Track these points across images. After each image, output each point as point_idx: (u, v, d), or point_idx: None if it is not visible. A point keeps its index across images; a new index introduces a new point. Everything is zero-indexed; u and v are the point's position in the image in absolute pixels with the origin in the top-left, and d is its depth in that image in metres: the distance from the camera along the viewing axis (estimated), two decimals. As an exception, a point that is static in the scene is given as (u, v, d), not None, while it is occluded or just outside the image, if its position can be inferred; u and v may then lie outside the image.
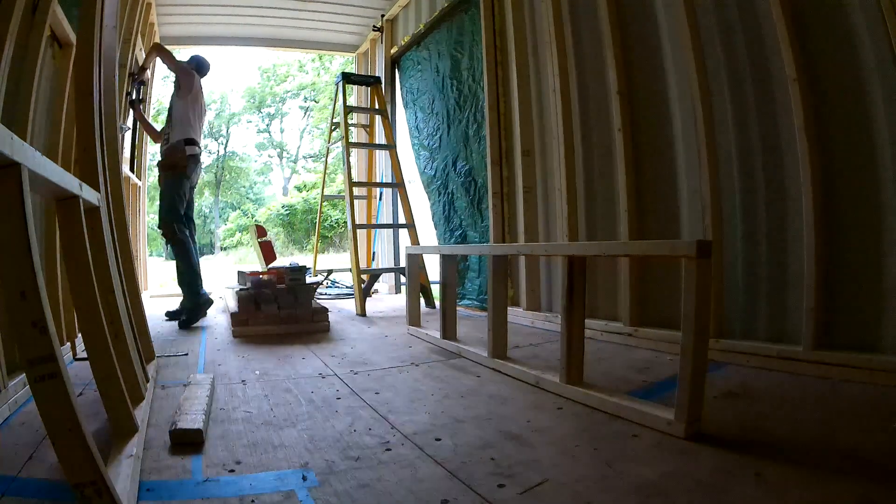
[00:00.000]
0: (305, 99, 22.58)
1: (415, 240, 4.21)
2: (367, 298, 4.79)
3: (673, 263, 2.33)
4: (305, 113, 23.07)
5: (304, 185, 20.37)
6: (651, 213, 2.41)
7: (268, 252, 4.71)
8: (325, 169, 5.25)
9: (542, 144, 3.10)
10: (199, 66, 3.49)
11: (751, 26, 2.00)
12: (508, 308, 3.29)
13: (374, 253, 5.50)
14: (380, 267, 5.32)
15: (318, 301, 3.44)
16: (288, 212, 18.88)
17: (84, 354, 1.84)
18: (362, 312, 3.69)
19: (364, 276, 4.08)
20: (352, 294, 4.91)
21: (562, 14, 2.82)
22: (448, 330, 2.53)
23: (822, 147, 1.79)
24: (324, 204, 5.43)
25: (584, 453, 1.24)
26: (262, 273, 3.50)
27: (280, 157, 24.69)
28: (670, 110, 2.32)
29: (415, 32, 4.49)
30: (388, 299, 4.84)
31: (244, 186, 24.01)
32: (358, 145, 4.94)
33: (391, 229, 5.16)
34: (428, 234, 4.48)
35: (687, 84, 2.18)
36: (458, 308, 3.87)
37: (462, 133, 3.84)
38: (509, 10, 3.27)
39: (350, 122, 4.85)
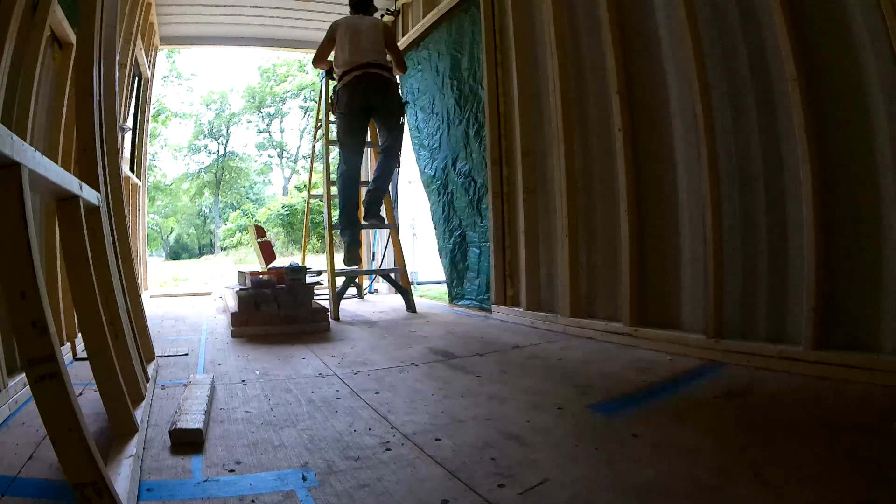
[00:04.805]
0: (305, 99, 22.62)
1: (396, 240, 4.17)
2: (360, 299, 4.80)
3: (672, 263, 2.34)
4: (305, 113, 23.09)
5: (304, 185, 20.38)
6: (652, 212, 2.41)
7: (267, 252, 4.72)
8: (312, 167, 5.20)
9: (542, 144, 3.10)
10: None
11: (751, 26, 2.00)
12: (508, 308, 3.33)
13: (373, 253, 5.49)
14: (380, 267, 5.29)
15: (317, 301, 3.44)
16: (288, 212, 18.90)
17: (84, 354, 1.84)
18: (336, 317, 3.48)
19: (338, 279, 3.85)
20: (353, 294, 4.90)
21: (562, 14, 2.82)
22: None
23: (821, 146, 1.79)
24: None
25: (584, 453, 1.24)
26: (262, 273, 3.50)
27: (280, 157, 24.73)
28: (670, 110, 2.32)
29: (414, 29, 4.48)
30: (388, 299, 4.83)
31: (244, 186, 24.05)
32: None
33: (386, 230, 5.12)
34: (430, 234, 4.47)
35: (687, 83, 2.17)
36: (456, 308, 3.89)
37: (462, 133, 3.83)
38: (509, 9, 3.26)
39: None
